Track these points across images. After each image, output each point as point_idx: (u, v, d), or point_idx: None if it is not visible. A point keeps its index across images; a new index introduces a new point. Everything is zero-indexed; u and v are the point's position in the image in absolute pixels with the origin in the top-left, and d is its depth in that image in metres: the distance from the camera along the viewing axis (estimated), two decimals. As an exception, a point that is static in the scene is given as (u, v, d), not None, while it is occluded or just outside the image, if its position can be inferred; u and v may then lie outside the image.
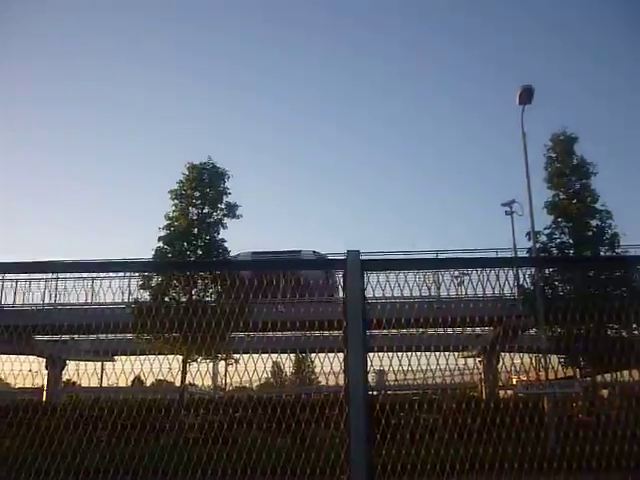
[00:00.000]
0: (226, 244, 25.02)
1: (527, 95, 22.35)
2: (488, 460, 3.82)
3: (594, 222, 25.20)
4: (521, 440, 3.67)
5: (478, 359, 30.09)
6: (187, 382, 21.90)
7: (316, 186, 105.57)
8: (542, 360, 19.54)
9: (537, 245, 24.22)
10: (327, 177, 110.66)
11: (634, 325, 15.66)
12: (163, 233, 24.28)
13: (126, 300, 21.45)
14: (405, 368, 3.67)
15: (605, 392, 22.04)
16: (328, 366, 3.68)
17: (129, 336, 20.11)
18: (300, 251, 30.24)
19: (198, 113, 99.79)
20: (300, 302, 17.22)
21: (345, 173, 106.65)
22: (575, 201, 25.28)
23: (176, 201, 25.25)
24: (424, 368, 3.79)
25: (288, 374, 49.70)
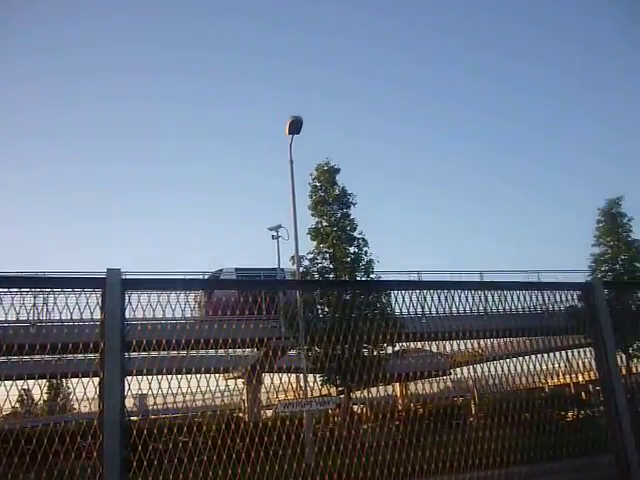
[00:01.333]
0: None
1: (296, 126, 23.37)
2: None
3: (352, 249, 27.08)
4: (278, 457, 3.77)
5: (242, 380, 30.40)
6: None
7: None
8: (302, 379, 20.34)
9: (301, 269, 25.32)
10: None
11: (384, 345, 17.02)
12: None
13: None
14: (166, 391, 3.55)
15: (357, 407, 23.58)
16: (88, 391, 3.43)
17: None
18: (282, 269, 30.35)
19: None
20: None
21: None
22: (336, 229, 26.96)
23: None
24: (186, 391, 3.71)
25: (40, 402, 45.68)
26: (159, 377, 3.58)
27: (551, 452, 4.52)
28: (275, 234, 29.24)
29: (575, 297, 4.85)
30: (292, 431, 4.04)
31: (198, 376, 3.82)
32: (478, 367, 4.93)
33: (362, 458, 4.16)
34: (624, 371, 6.24)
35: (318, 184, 27.73)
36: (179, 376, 3.71)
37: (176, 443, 3.70)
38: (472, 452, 4.33)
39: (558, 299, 4.91)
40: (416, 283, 5.30)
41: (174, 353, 4.24)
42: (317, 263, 26.94)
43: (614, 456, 4.49)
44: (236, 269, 30.86)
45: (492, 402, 4.89)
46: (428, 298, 4.61)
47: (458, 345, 5.12)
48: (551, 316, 4.94)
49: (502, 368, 4.79)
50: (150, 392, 3.55)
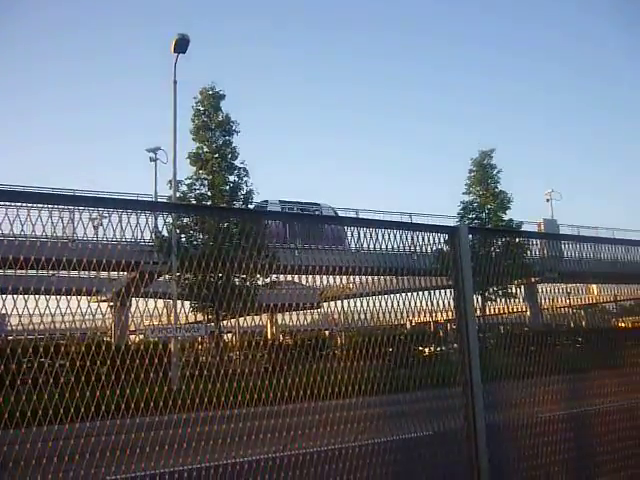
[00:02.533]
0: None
1: (182, 44, 22.37)
2: (115, 404, 3.85)
3: (232, 178, 26.75)
4: (149, 382, 3.77)
5: (111, 304, 29.70)
6: None
7: None
8: (173, 305, 20.18)
9: (178, 194, 24.75)
10: None
11: (256, 275, 17.14)
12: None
13: None
14: (32, 312, 3.41)
15: (228, 336, 23.83)
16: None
17: None
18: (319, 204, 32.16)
19: None
20: None
21: None
22: (217, 155, 26.43)
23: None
24: (54, 312, 3.58)
25: None
26: (26, 297, 3.42)
27: (408, 383, 4.81)
28: (153, 156, 28.29)
29: (442, 240, 5.10)
30: (160, 356, 4.05)
31: (67, 297, 3.69)
32: (347, 302, 5.10)
33: (226, 384, 4.23)
34: (479, 312, 6.69)
35: (202, 108, 26.92)
36: (47, 297, 3.57)
37: (37, 365, 3.58)
38: (335, 381, 4.52)
39: (427, 241, 5.14)
40: (293, 216, 5.35)
41: (42, 272, 4.05)
42: (195, 189, 26.43)
43: (462, 388, 4.87)
44: (280, 201, 32.23)
45: (357, 335, 5.10)
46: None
47: (328, 280, 5.25)
48: (419, 257, 5.17)
49: (369, 304, 4.98)
50: (15, 312, 3.40)
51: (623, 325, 8.22)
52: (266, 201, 32.53)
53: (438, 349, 5.54)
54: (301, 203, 33.24)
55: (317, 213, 31.92)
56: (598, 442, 5.93)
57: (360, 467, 4.41)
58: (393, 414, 4.73)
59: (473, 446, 4.75)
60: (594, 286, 6.97)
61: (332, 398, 4.49)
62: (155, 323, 19.02)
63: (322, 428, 4.52)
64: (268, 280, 18.11)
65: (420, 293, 5.14)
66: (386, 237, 4.89)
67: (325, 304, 5.79)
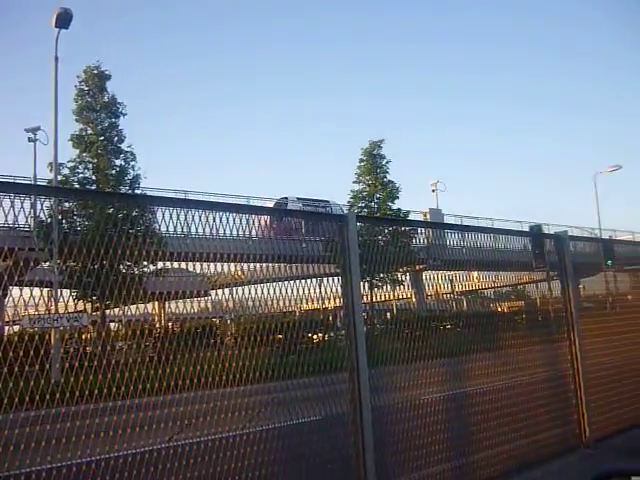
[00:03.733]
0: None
1: (64, 19, 21.19)
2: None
3: (118, 161, 25.80)
4: (25, 375, 3.56)
5: (-17, 293, 27.93)
6: None
7: None
8: (53, 294, 19.24)
9: (59, 177, 23.55)
10: None
11: (144, 263, 16.68)
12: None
13: None
14: None
15: (114, 325, 23.05)
16: None
17: None
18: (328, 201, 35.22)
19: None
20: None
21: None
22: (102, 138, 25.40)
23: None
24: None
25: None
26: None
27: (298, 370, 4.84)
28: (32, 136, 26.77)
29: (331, 228, 5.16)
30: (39, 347, 3.84)
31: None
32: (239, 289, 5.06)
33: (114, 374, 4.08)
34: (367, 299, 6.84)
35: (86, 88, 25.72)
36: None
37: None
38: (224, 369, 4.47)
39: (319, 229, 5.18)
40: (183, 201, 5.23)
41: None
42: (78, 173, 25.27)
43: (349, 374, 4.97)
44: (298, 198, 35.36)
45: (248, 323, 5.07)
46: (196, 218, 4.58)
47: (222, 267, 5.19)
48: (310, 244, 5.21)
49: (261, 292, 4.97)
50: None
51: (500, 310, 8.69)
52: (286, 198, 35.09)
53: (327, 336, 5.62)
54: (315, 200, 36.00)
55: (327, 210, 34.34)
56: (477, 420, 6.25)
57: (249, 454, 4.40)
58: (283, 401, 4.75)
59: (359, 429, 4.87)
60: (475, 273, 7.30)
61: (222, 386, 4.45)
62: (31, 312, 18.06)
63: (211, 417, 4.46)
64: (155, 268, 17.71)
65: (312, 280, 5.19)
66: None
67: (217, 292, 5.72)
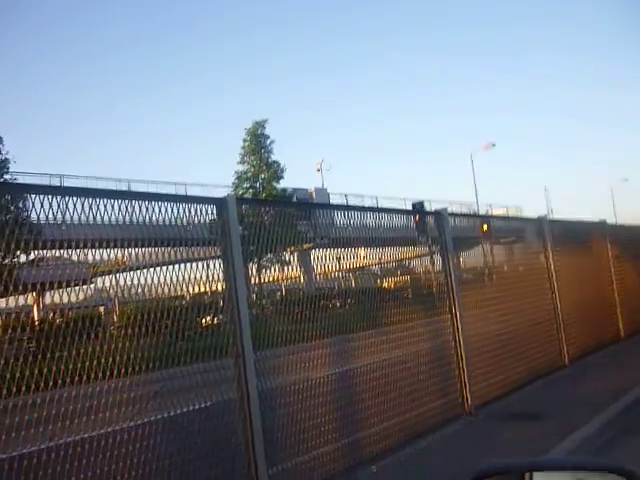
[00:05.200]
0: None
1: None
2: None
3: (-18, 146, 24.14)
4: None
5: None
6: None
7: None
8: None
9: None
10: None
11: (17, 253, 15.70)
12: None
13: None
14: None
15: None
16: None
17: None
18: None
19: None
20: None
21: None
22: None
23: None
24: None
25: None
26: None
27: (187, 357, 4.73)
28: None
29: (211, 211, 5.09)
30: None
31: None
32: (123, 276, 4.88)
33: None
34: (254, 281, 6.80)
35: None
36: None
37: None
38: (110, 361, 4.29)
39: (200, 212, 5.07)
40: (57, 188, 4.95)
41: None
42: None
43: (234, 359, 4.93)
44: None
45: (134, 310, 4.89)
46: (70, 205, 4.35)
47: (101, 254, 4.98)
48: (195, 228, 5.09)
49: (145, 277, 4.82)
50: None
51: (386, 286, 8.92)
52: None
53: (215, 320, 5.53)
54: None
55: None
56: (366, 397, 6.39)
57: (138, 450, 4.25)
58: (171, 389, 4.63)
59: (247, 415, 4.85)
60: (362, 251, 7.44)
61: (107, 380, 4.26)
62: None
63: (95, 414, 4.23)
64: (31, 257, 16.65)
65: (198, 264, 5.09)
66: (157, 210, 4.76)
67: (100, 279, 5.50)
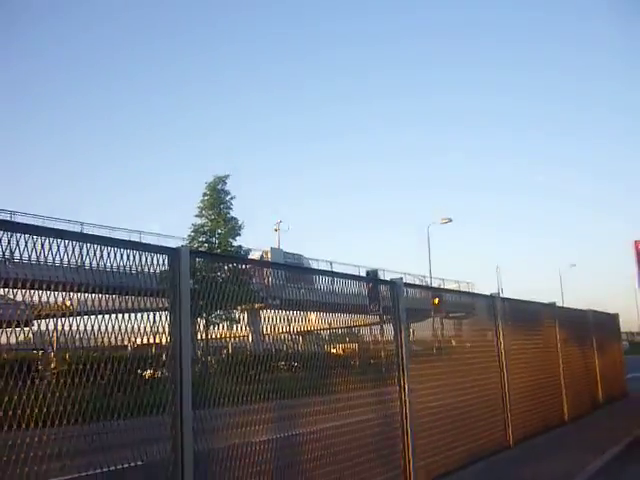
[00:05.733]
0: None
1: None
2: None
3: None
4: None
5: None
6: None
7: None
8: None
9: None
10: None
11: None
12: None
13: None
14: None
15: None
16: None
17: None
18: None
19: None
20: None
21: None
22: None
23: None
24: None
25: None
26: None
27: (123, 410, 4.54)
28: None
29: (163, 262, 5.01)
30: None
31: None
32: (65, 321, 4.71)
33: None
34: (200, 337, 6.65)
35: None
36: None
37: None
38: (44, 410, 4.06)
39: (150, 261, 4.97)
40: (6, 223, 4.79)
41: None
42: None
43: (171, 420, 4.74)
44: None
45: (74, 357, 4.69)
46: (21, 242, 4.23)
47: (48, 296, 4.82)
48: (144, 277, 4.98)
49: (89, 324, 4.66)
50: None
51: (334, 351, 8.81)
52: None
53: (156, 374, 5.34)
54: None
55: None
56: (306, 468, 6.17)
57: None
58: (104, 444, 4.39)
59: (179, 476, 4.64)
60: (312, 314, 7.37)
61: (35, 429, 4.02)
62: None
63: (13, 468, 3.92)
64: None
65: (144, 315, 4.96)
66: (106, 255, 4.65)
67: (43, 322, 5.29)
